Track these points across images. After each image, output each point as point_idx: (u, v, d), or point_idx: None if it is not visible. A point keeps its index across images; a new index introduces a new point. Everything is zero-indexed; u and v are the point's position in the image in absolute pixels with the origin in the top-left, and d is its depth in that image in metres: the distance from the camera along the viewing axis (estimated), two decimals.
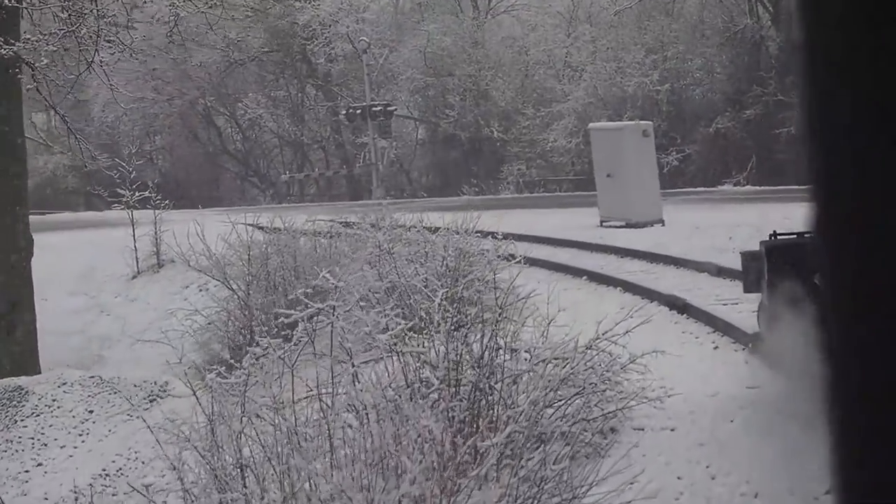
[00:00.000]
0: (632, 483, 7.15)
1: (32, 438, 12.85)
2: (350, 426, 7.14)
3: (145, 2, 20.50)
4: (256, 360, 7.76)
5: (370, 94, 43.38)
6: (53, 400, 13.35)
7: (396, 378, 7.75)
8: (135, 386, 13.50)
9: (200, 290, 19.64)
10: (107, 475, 11.81)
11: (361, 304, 10.35)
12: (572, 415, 8.08)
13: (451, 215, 16.03)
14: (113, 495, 11.11)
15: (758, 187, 32.32)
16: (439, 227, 14.85)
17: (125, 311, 21.52)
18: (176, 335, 16.97)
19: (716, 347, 12.00)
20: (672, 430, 8.86)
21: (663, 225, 21.84)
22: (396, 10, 48.22)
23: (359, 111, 43.42)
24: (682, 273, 16.38)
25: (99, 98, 43.41)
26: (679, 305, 14.01)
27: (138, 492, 7.94)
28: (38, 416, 13.14)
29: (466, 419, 7.24)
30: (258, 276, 16.20)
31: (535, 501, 6.68)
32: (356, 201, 40.46)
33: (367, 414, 7.03)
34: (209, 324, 16.63)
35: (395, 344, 8.01)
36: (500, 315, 8.81)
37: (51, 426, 12.96)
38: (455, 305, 8.40)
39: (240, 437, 7.11)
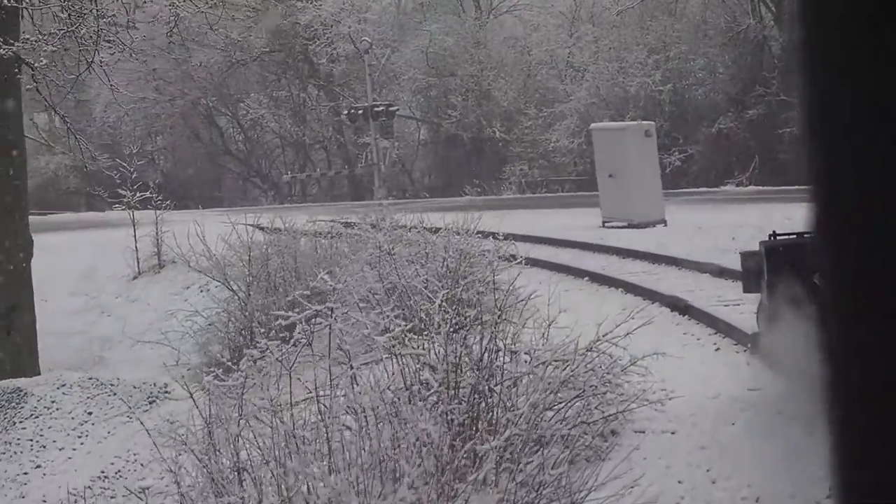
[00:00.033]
0: (632, 487, 7.09)
1: (31, 440, 12.81)
2: (349, 428, 7.09)
3: (145, 2, 20.45)
4: (254, 362, 7.70)
5: (372, 95, 43.33)
6: (52, 402, 13.31)
7: (395, 380, 7.70)
8: (134, 387, 13.47)
9: (202, 291, 19.58)
10: (105, 477, 11.77)
11: (361, 305, 10.30)
12: (572, 418, 8.02)
13: (452, 216, 15.98)
14: (112, 498, 11.06)
15: (761, 187, 32.25)
16: (440, 228, 14.80)
17: (126, 311, 21.47)
18: (176, 336, 16.92)
19: (717, 349, 11.94)
20: (673, 432, 8.79)
21: (665, 225, 21.78)
22: (398, 10, 48.17)
23: (361, 111, 43.37)
24: (684, 274, 16.33)
25: (101, 98, 43.38)
26: (681, 307, 13.96)
27: (135, 495, 7.89)
28: (36, 417, 13.10)
29: (465, 422, 7.18)
30: (258, 277, 16.15)
31: None
32: (358, 202, 40.40)
33: (365, 417, 6.97)
34: (210, 325, 16.58)
35: (394, 346, 7.95)
36: (499, 317, 8.75)
37: (49, 428, 12.92)
38: (454, 307, 8.34)
39: (237, 440, 7.05)
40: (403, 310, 11.31)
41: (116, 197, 23.46)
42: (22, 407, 13.22)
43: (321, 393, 7.18)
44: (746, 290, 10.76)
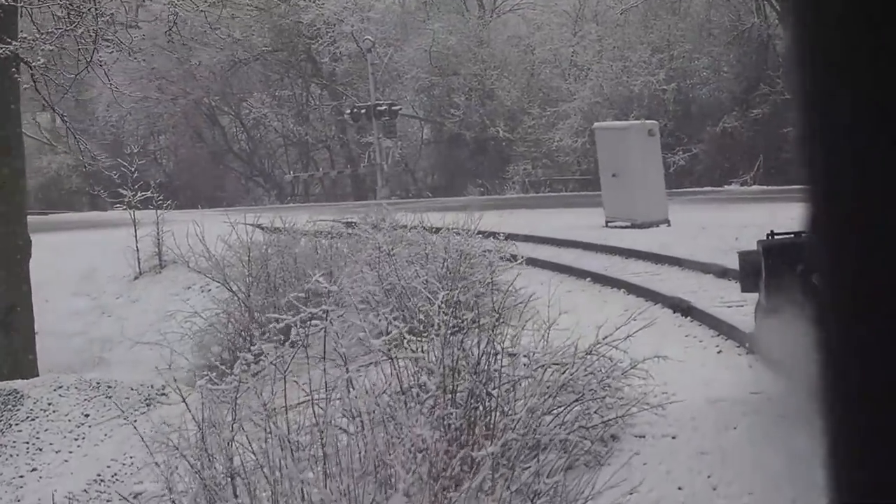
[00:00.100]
0: (631, 493, 6.97)
1: (27, 443, 12.70)
2: (345, 431, 6.98)
3: (145, 1, 20.36)
4: (248, 366, 7.58)
5: (375, 94, 43.25)
6: (49, 404, 13.21)
7: (392, 383, 7.58)
8: (132, 389, 13.36)
9: (202, 292, 19.46)
10: (102, 481, 11.66)
11: (361, 306, 10.19)
12: (571, 422, 7.90)
13: (453, 215, 15.87)
14: (107, 501, 10.96)
15: (765, 187, 32.15)
16: (440, 228, 14.69)
17: (126, 312, 21.36)
18: (175, 337, 16.80)
19: (719, 351, 11.82)
20: (673, 437, 8.66)
21: (669, 225, 21.66)
22: (402, 9, 48.09)
23: (363, 111, 43.30)
24: (687, 274, 16.21)
25: (103, 97, 43.34)
26: (683, 308, 13.84)
27: (127, 500, 7.79)
28: (33, 420, 13.00)
29: (462, 427, 7.06)
30: (258, 278, 16.03)
31: None
32: (361, 201, 40.32)
33: (360, 421, 6.86)
34: (209, 326, 16.46)
35: (391, 349, 7.84)
36: (498, 319, 8.63)
37: (46, 430, 12.82)
38: (452, 309, 8.22)
39: (230, 445, 6.94)
40: (403, 311, 11.21)
41: (117, 196, 23.36)
42: (18, 409, 13.12)
43: (317, 396, 7.06)
44: (744, 289, 10.72)
